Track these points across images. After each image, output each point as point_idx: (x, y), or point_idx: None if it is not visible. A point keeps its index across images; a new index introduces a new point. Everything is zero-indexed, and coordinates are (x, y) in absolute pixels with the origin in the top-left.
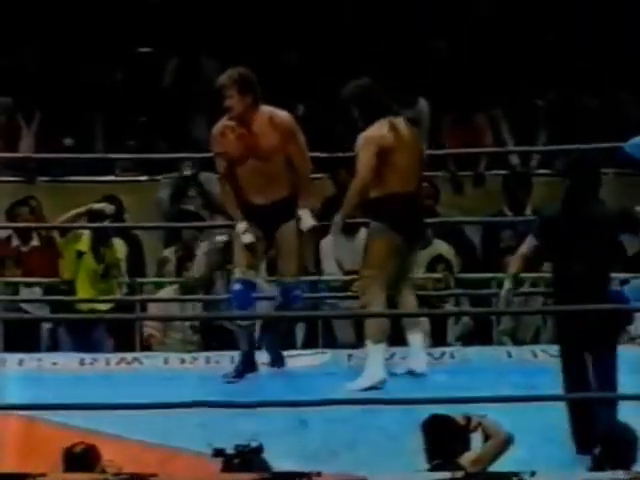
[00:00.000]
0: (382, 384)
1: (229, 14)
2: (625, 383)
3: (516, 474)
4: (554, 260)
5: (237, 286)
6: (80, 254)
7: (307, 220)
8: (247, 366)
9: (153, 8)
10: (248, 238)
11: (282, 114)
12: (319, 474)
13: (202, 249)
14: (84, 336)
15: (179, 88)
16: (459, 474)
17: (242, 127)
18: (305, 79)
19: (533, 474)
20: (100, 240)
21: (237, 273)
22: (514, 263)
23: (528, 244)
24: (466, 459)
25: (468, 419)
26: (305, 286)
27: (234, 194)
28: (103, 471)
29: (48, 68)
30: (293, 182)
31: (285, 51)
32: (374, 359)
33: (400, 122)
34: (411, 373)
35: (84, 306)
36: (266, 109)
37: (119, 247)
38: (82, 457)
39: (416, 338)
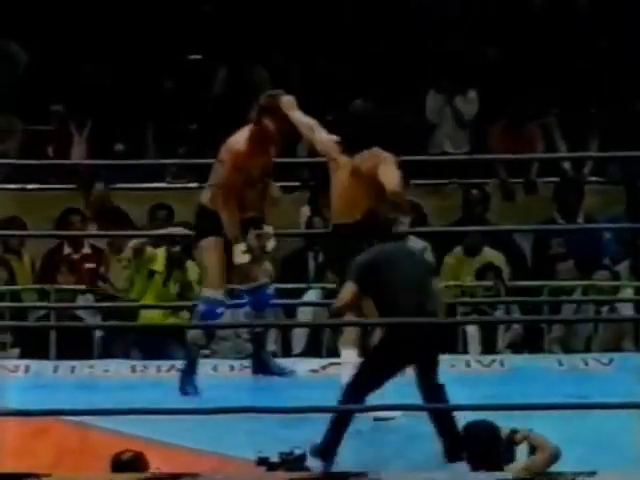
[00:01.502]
0: None
1: (278, 23)
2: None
3: (575, 474)
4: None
5: (202, 307)
6: (152, 273)
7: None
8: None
9: (203, 17)
10: (246, 259)
11: None
12: (365, 474)
13: None
14: (154, 346)
15: (229, 96)
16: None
17: (267, 147)
18: (353, 87)
19: (592, 474)
20: (175, 262)
21: (207, 292)
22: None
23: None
24: (512, 469)
25: (514, 432)
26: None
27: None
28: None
29: (99, 76)
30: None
31: (334, 60)
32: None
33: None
34: None
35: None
36: None
37: (193, 269)
38: (130, 464)
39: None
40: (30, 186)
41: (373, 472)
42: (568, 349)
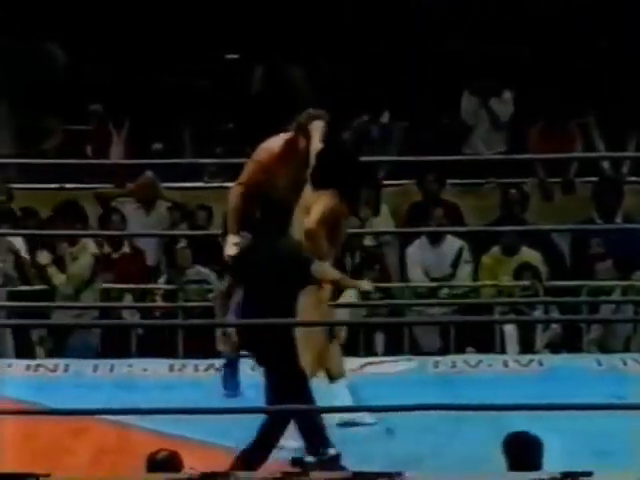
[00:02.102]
0: None
1: (315, 22)
2: None
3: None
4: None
5: None
6: None
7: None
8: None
9: (240, 15)
10: (233, 251)
11: None
12: (400, 474)
13: None
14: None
15: (265, 95)
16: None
17: (294, 161)
18: (387, 86)
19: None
20: None
21: None
22: None
23: None
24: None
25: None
26: None
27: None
28: None
29: (137, 75)
30: None
31: (369, 58)
32: None
33: None
34: None
35: None
36: None
37: None
38: (165, 463)
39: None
40: (68, 185)
41: (407, 472)
42: (607, 349)
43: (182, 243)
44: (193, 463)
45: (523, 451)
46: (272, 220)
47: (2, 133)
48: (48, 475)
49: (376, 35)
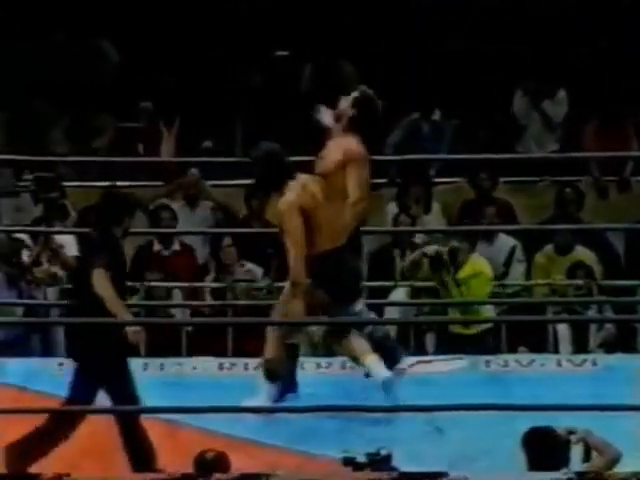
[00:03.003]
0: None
1: (366, 20)
2: None
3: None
4: None
5: None
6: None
7: None
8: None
9: (290, 12)
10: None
11: None
12: (445, 474)
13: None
14: None
15: (315, 92)
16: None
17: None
18: (439, 83)
19: None
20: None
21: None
22: None
23: None
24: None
25: (571, 433)
26: None
27: None
28: None
29: (187, 73)
30: None
31: (421, 56)
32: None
33: (308, 180)
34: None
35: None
36: None
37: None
38: (213, 464)
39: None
40: (120, 183)
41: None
42: None
43: (227, 241)
44: (243, 462)
45: (542, 448)
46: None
47: (55, 131)
48: (47, 475)
49: (426, 32)
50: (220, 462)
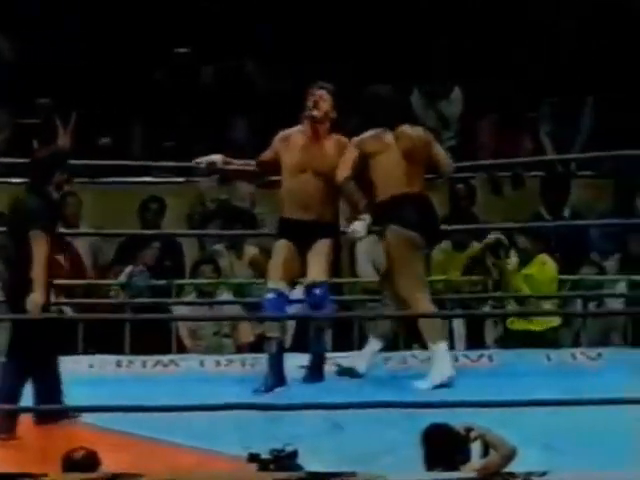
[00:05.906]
0: (451, 380)
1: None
2: None
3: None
4: None
5: (270, 295)
6: None
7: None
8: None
9: (192, 10)
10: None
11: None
12: (354, 474)
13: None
14: None
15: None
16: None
17: (313, 139)
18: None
19: (544, 474)
20: None
21: (270, 284)
22: None
23: None
24: (468, 469)
25: (469, 430)
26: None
27: None
28: None
29: (85, 68)
30: (335, 204)
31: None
32: (439, 358)
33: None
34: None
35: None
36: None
37: None
38: (82, 463)
39: (373, 344)
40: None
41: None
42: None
43: None
44: (142, 459)
45: (440, 444)
46: None
47: None
48: (46, 475)
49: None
50: (88, 461)
